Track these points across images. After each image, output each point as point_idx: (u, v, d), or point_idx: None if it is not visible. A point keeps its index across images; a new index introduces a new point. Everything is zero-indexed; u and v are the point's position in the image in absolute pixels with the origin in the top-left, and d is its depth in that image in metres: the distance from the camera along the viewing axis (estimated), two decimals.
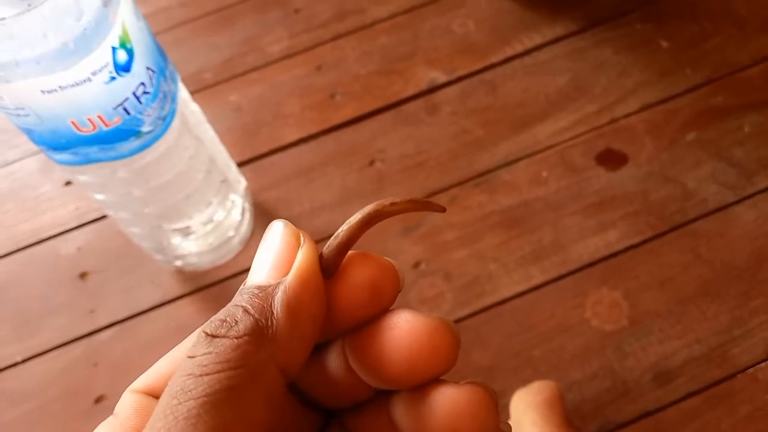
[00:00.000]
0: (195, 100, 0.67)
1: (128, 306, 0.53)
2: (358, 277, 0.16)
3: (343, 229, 0.17)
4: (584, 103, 0.59)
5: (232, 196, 0.51)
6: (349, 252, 0.17)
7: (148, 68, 0.39)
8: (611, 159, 0.56)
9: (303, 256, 0.15)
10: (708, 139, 0.55)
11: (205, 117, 0.50)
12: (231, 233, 0.51)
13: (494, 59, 0.64)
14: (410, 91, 0.63)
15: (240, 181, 0.54)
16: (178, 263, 0.52)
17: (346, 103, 0.64)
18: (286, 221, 0.16)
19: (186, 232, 0.48)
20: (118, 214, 0.46)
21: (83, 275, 0.56)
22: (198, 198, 0.47)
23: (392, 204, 0.16)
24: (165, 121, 0.41)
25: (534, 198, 0.55)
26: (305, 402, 0.18)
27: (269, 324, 0.15)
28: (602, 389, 0.45)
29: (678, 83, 0.59)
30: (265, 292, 0.15)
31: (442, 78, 0.64)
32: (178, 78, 0.44)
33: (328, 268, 0.16)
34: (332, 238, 0.16)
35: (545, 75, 0.62)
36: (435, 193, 0.56)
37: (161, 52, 0.42)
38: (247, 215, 0.54)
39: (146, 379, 0.16)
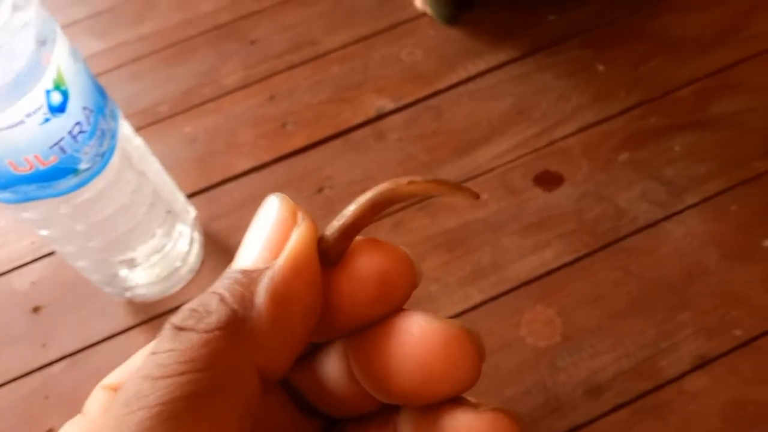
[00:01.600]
0: (152, 131, 0.69)
1: (80, 338, 0.55)
2: (365, 268, 0.14)
3: (349, 210, 0.14)
4: (525, 126, 0.62)
5: (179, 227, 0.53)
6: (356, 238, 0.14)
7: (84, 108, 0.41)
8: (548, 180, 0.58)
9: (298, 236, 0.13)
10: (640, 159, 0.58)
11: (150, 150, 0.52)
12: (178, 263, 0.53)
13: (440, 86, 0.66)
14: (359, 119, 0.65)
15: (188, 211, 0.56)
16: (128, 294, 0.53)
17: (297, 131, 0.66)
18: (283, 195, 0.14)
19: (132, 264, 0.50)
20: (64, 249, 0.48)
21: (36, 309, 0.57)
22: (142, 230, 0.48)
23: (410, 183, 0.14)
24: (103, 158, 0.43)
25: (474, 220, 0.57)
26: (303, 407, 0.16)
27: (248, 316, 0.12)
28: (536, 405, 0.47)
29: (613, 106, 0.61)
30: (248, 278, 0.13)
31: (389, 105, 0.66)
32: (119, 114, 0.46)
33: (330, 254, 0.14)
34: (336, 219, 0.14)
35: (489, 100, 0.65)
36: (381, 218, 0.58)
37: (100, 91, 0.43)
38: (196, 245, 0.56)
39: (119, 374, 0.15)
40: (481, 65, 0.67)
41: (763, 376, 0.46)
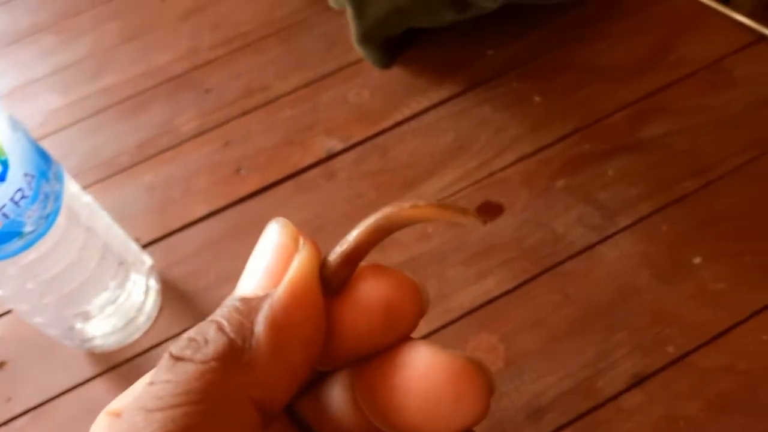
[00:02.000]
0: (112, 183, 0.71)
1: (42, 392, 0.56)
2: (369, 297, 0.13)
3: (351, 236, 0.14)
4: (466, 159, 0.64)
5: (133, 277, 0.55)
6: (360, 264, 0.14)
7: (26, 174, 0.43)
8: (490, 210, 0.60)
9: (299, 263, 0.13)
10: (576, 184, 0.60)
11: (101, 205, 0.54)
12: (134, 313, 0.55)
13: (386, 125, 0.69)
14: (310, 160, 0.68)
15: (143, 260, 0.57)
16: (87, 346, 0.55)
17: (251, 175, 0.68)
18: (285, 220, 0.14)
19: (86, 317, 0.51)
20: (19, 307, 0.49)
21: (1, 365, 0.58)
22: (94, 284, 0.50)
23: (413, 207, 0.13)
24: (48, 219, 0.45)
25: (420, 253, 0.59)
26: None
27: (246, 346, 0.12)
28: None
29: (549, 135, 0.64)
30: (248, 306, 0.13)
31: (338, 146, 0.68)
32: (64, 176, 0.48)
33: (333, 281, 0.13)
34: (338, 245, 0.14)
35: (431, 136, 0.67)
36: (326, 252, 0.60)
37: (42, 155, 0.46)
38: (152, 293, 0.57)
39: (124, 399, 0.14)
40: (424, 102, 0.70)
41: (693, 392, 0.48)
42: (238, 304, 0.13)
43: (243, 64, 0.79)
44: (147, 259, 0.58)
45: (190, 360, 0.12)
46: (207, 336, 0.12)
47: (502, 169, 0.63)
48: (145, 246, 0.63)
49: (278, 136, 0.71)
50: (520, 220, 0.59)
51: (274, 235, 0.14)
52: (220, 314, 0.13)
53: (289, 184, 0.67)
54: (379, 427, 0.14)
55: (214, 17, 0.85)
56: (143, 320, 0.56)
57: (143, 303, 0.56)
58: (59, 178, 0.47)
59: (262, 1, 0.84)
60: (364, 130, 0.69)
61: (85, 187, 0.69)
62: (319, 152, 0.68)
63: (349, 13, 0.65)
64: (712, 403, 0.48)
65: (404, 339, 0.13)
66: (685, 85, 0.65)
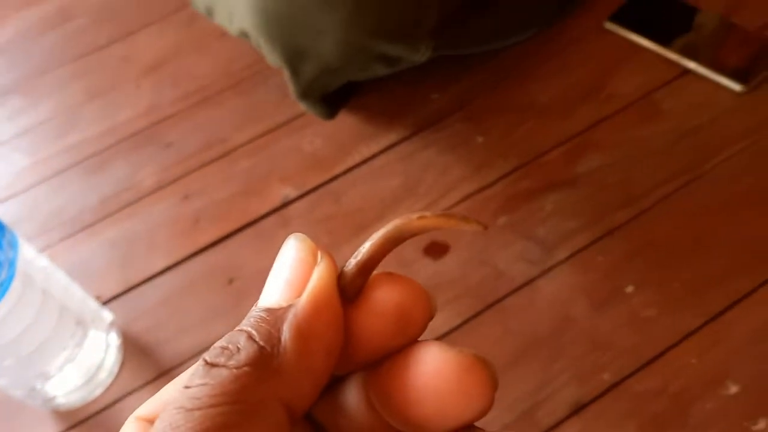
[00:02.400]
0: (76, 240, 0.74)
1: None
2: (383, 302, 0.14)
3: (365, 247, 0.15)
4: (413, 201, 0.67)
5: (93, 334, 0.57)
6: (373, 273, 0.15)
7: None
8: (436, 250, 0.63)
9: (319, 275, 0.14)
10: (517, 221, 0.63)
11: (58, 266, 0.56)
12: (94, 370, 0.57)
13: (338, 171, 0.72)
14: (266, 209, 0.71)
15: (102, 317, 0.59)
16: (50, 405, 0.56)
17: (210, 226, 0.70)
18: (303, 236, 0.15)
19: (47, 377, 0.53)
20: None
21: None
22: (52, 344, 0.52)
23: (420, 218, 0.15)
24: (2, 287, 0.47)
25: None
26: None
27: (275, 353, 0.13)
28: None
29: (491, 173, 0.67)
30: (274, 316, 0.14)
31: (293, 193, 0.71)
32: (18, 244, 0.50)
33: (349, 290, 0.14)
34: (352, 257, 0.15)
35: (381, 180, 0.70)
36: None
37: None
38: (112, 349, 0.59)
39: (150, 405, 0.15)
40: (374, 147, 0.73)
41: (629, 416, 0.50)
42: (264, 314, 0.14)
43: (202, 117, 0.82)
44: (107, 316, 0.60)
45: (224, 366, 0.13)
46: (239, 344, 0.13)
47: (448, 209, 0.66)
48: (106, 302, 0.65)
49: (236, 186, 0.74)
50: (464, 259, 0.62)
51: (293, 250, 0.15)
52: (248, 324, 0.14)
53: (246, 233, 0.69)
54: (392, 426, 0.14)
55: (174, 73, 0.88)
56: (104, 376, 0.58)
57: (103, 359, 0.58)
58: (13, 246, 0.49)
59: (219, 56, 0.87)
60: (318, 177, 0.72)
61: (49, 246, 0.72)
62: (275, 200, 0.71)
63: (285, 73, 0.68)
64: (647, 425, 0.50)
65: (413, 341, 0.14)
66: (616, 120, 0.68)
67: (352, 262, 0.15)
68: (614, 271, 0.58)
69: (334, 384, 0.15)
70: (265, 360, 0.13)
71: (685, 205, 0.60)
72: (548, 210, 0.63)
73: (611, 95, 0.70)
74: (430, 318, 0.15)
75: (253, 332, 0.13)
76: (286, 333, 0.13)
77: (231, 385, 0.12)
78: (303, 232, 0.61)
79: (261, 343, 0.13)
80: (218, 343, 0.13)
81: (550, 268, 0.59)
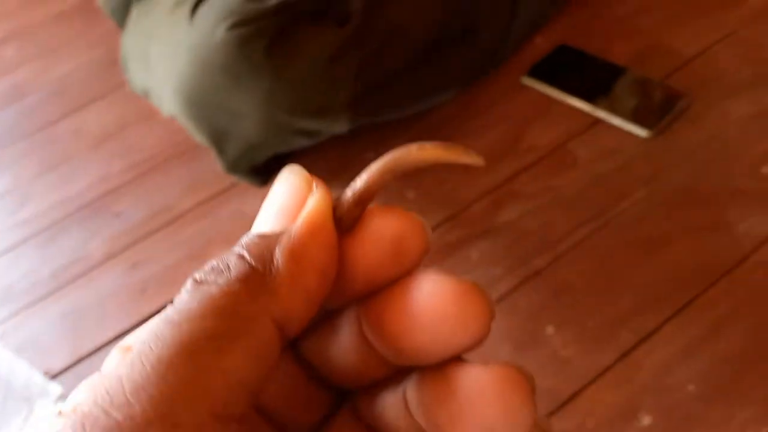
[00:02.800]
0: (28, 314, 0.76)
1: None
2: (378, 231, 0.14)
3: (362, 178, 0.15)
4: None
5: (39, 409, 0.59)
6: (369, 206, 0.15)
7: None
8: None
9: (314, 202, 0.14)
10: (445, 271, 0.67)
11: (2, 347, 0.58)
12: None
13: None
14: None
15: (49, 392, 0.61)
16: None
17: (156, 294, 0.73)
18: (299, 167, 0.15)
19: None
20: None
21: None
22: None
23: (420, 148, 0.14)
24: None
25: None
26: (315, 379, 0.16)
27: (267, 272, 0.13)
28: None
29: None
30: (267, 239, 0.13)
31: None
32: None
33: (345, 220, 0.14)
34: (348, 188, 0.14)
35: None
36: None
37: None
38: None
39: (137, 335, 0.14)
40: None
41: None
42: (256, 238, 0.14)
43: (150, 186, 0.85)
44: (55, 389, 0.62)
45: (214, 283, 0.13)
46: (229, 263, 0.13)
47: None
48: (56, 375, 0.67)
49: (182, 253, 0.77)
50: None
51: (287, 180, 0.15)
52: (240, 246, 0.14)
53: None
54: (384, 361, 0.14)
55: (123, 144, 0.92)
56: None
57: None
58: None
59: (166, 126, 0.91)
60: None
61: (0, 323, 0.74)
62: None
63: (213, 152, 0.73)
64: None
65: (409, 272, 0.14)
66: (535, 170, 0.73)
67: (348, 193, 0.14)
68: (535, 314, 0.61)
69: (327, 320, 0.15)
70: (256, 278, 0.13)
71: (597, 249, 0.65)
72: (475, 259, 0.67)
73: (530, 147, 0.75)
74: (426, 249, 0.14)
75: (245, 253, 0.13)
76: (279, 254, 0.13)
77: (221, 300, 0.12)
78: None
79: (253, 262, 0.13)
80: (208, 263, 0.13)
81: None
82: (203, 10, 0.63)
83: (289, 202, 0.14)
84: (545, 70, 0.81)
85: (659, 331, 0.58)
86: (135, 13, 0.74)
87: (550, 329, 0.60)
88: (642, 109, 0.75)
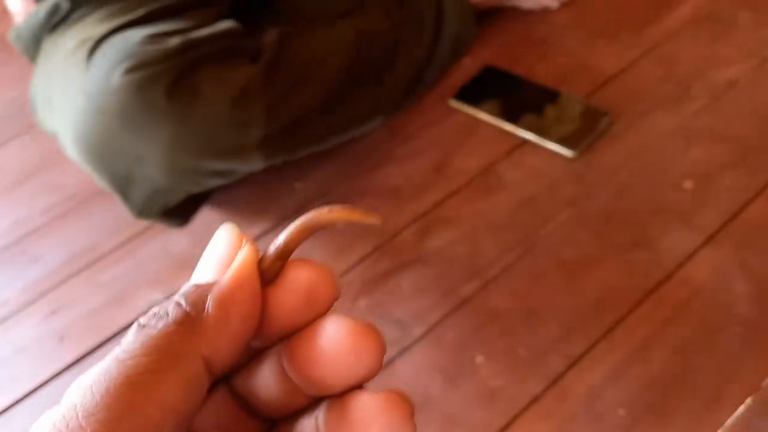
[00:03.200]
0: None
1: None
2: (294, 282, 0.16)
3: (283, 235, 0.17)
4: None
5: None
6: (290, 258, 0.17)
7: None
8: None
9: (241, 257, 0.16)
10: (376, 302, 0.65)
11: None
12: None
13: None
14: (131, 317, 0.70)
15: None
16: None
17: (74, 343, 0.69)
18: (232, 225, 0.17)
19: None
20: None
21: None
22: None
23: (330, 211, 0.17)
24: None
25: None
26: (246, 410, 0.18)
27: (199, 317, 0.15)
28: None
29: (351, 257, 0.69)
30: (201, 288, 0.16)
31: (160, 297, 0.71)
32: None
33: (268, 272, 0.16)
34: (272, 244, 0.17)
35: None
36: None
37: None
38: None
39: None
40: None
41: None
42: (192, 287, 0.16)
43: (71, 226, 0.81)
44: None
45: (154, 327, 0.15)
46: (168, 310, 0.15)
47: None
48: None
49: (103, 297, 0.73)
50: None
51: (222, 237, 0.17)
52: (178, 295, 0.16)
53: (110, 346, 0.68)
54: (301, 391, 0.17)
55: (43, 183, 0.88)
56: None
57: None
58: None
59: None
60: (185, 278, 0.72)
61: None
62: (141, 307, 0.71)
63: (117, 197, 0.69)
64: None
65: (322, 315, 0.16)
66: (462, 194, 0.72)
67: (271, 249, 0.17)
68: (464, 343, 0.60)
69: (255, 358, 0.18)
70: (189, 321, 0.15)
71: (524, 274, 0.64)
72: (404, 289, 0.66)
73: (458, 171, 0.74)
74: (336, 296, 0.17)
75: (182, 300, 0.16)
76: (210, 301, 0.15)
77: (159, 340, 0.15)
78: None
79: (188, 308, 0.15)
80: (152, 310, 0.16)
81: (407, 348, 0.61)
82: (101, 51, 0.59)
83: (222, 255, 0.17)
84: (472, 93, 0.80)
85: (587, 355, 0.57)
86: (44, 50, 0.71)
87: (479, 359, 0.59)
88: (566, 129, 0.75)
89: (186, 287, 0.16)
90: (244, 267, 0.16)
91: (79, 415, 0.14)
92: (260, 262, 0.17)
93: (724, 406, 0.52)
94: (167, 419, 0.14)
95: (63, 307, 0.73)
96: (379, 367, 0.16)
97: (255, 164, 0.65)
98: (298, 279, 0.16)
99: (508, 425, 0.54)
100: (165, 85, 0.57)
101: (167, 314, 0.15)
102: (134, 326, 0.15)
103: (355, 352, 0.15)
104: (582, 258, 0.64)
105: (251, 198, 0.78)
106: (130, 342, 0.15)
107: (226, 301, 0.16)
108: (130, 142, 0.59)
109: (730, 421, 0.48)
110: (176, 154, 0.59)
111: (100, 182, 0.66)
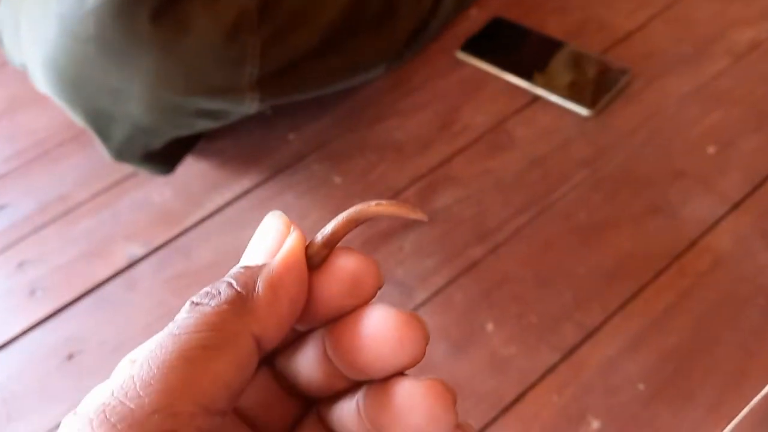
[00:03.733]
0: None
1: None
2: (341, 270, 0.17)
3: (330, 225, 0.18)
4: None
5: None
6: (336, 247, 0.17)
7: None
8: None
9: (290, 242, 0.17)
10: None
11: None
12: None
13: (188, 223, 0.67)
14: (109, 272, 0.65)
15: None
16: None
17: (46, 297, 0.64)
18: (280, 212, 0.18)
19: None
20: None
21: None
22: None
23: (377, 204, 0.18)
24: None
25: None
26: (287, 389, 0.19)
27: (249, 297, 0.16)
28: None
29: None
30: (251, 270, 0.16)
31: (139, 252, 0.66)
32: None
33: (315, 259, 0.17)
34: (319, 233, 0.17)
35: (235, 231, 0.66)
36: None
37: None
38: None
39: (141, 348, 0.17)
40: (227, 195, 0.69)
41: None
42: (242, 269, 0.17)
43: (39, 174, 0.75)
44: None
45: (207, 305, 0.16)
46: (220, 289, 0.16)
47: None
48: None
49: (76, 249, 0.67)
50: None
51: (271, 223, 0.18)
52: (229, 276, 0.16)
53: (88, 301, 0.63)
54: (342, 374, 0.17)
55: (9, 127, 0.81)
56: None
57: None
58: None
59: (58, 108, 0.80)
60: (167, 232, 0.67)
61: None
62: (120, 261, 0.65)
63: (94, 136, 0.62)
64: None
65: (366, 303, 0.17)
66: (470, 152, 0.68)
67: (318, 237, 0.17)
68: (473, 309, 0.56)
69: (298, 340, 0.18)
70: (241, 301, 0.16)
71: (536, 237, 0.60)
72: (407, 250, 0.61)
73: (465, 126, 0.70)
74: (379, 286, 0.17)
75: (233, 281, 0.16)
76: (260, 283, 0.16)
77: (212, 317, 0.15)
78: (150, 296, 0.55)
79: (239, 288, 0.16)
80: (204, 289, 0.16)
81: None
82: None
83: (270, 240, 0.17)
84: (480, 45, 0.75)
85: (604, 326, 0.54)
86: None
87: (489, 326, 0.55)
88: (581, 86, 0.70)
89: (235, 269, 0.17)
90: (293, 252, 0.17)
91: (137, 384, 0.14)
92: (307, 248, 0.17)
93: (748, 382, 0.50)
94: (220, 394, 0.15)
95: (33, 259, 0.67)
96: (422, 355, 0.16)
97: (248, 106, 0.59)
98: (345, 267, 0.17)
99: (520, 396, 0.51)
100: (150, 8, 0.50)
101: (219, 293, 0.16)
102: (187, 304, 0.16)
103: (399, 341, 0.16)
104: (597, 223, 0.60)
105: (241, 149, 0.72)
106: (183, 318, 0.16)
107: (275, 283, 0.16)
108: (108, 72, 0.52)
109: (756, 400, 0.46)
110: (160, 89, 0.52)
111: (76, 119, 0.59)
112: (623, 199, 0.62)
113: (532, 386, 0.52)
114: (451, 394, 0.16)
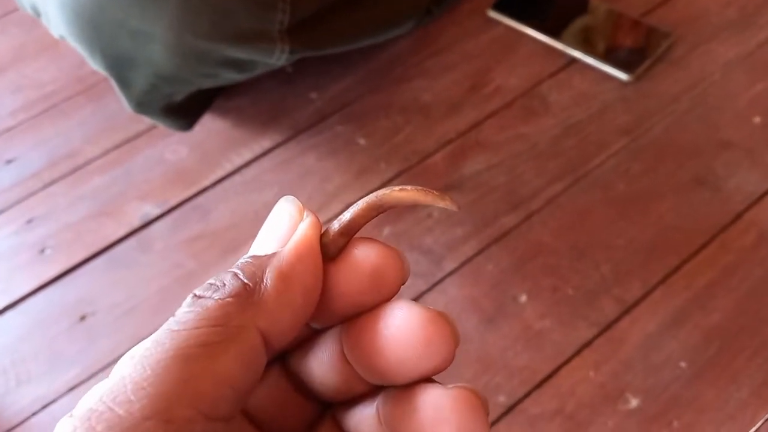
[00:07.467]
0: None
1: None
2: (360, 262, 0.15)
3: (348, 212, 0.16)
4: None
5: None
6: (355, 236, 0.16)
7: None
8: None
9: (302, 229, 0.15)
10: (401, 231, 0.58)
11: None
12: None
13: (206, 183, 0.64)
14: (122, 231, 0.62)
15: None
16: None
17: (57, 256, 0.61)
18: (293, 197, 0.16)
19: None
20: None
21: None
22: None
23: (401, 190, 0.16)
24: None
25: None
26: (301, 391, 0.17)
27: (257, 289, 0.14)
28: None
29: (374, 179, 0.62)
30: (259, 260, 0.15)
31: (154, 211, 0.63)
32: None
33: (330, 249, 0.16)
34: (336, 220, 0.16)
35: (254, 192, 0.63)
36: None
37: None
38: None
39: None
40: (247, 155, 0.66)
41: None
42: (250, 259, 0.15)
43: (48, 128, 0.72)
44: None
45: (210, 298, 0.14)
46: (224, 281, 0.15)
47: (327, 221, 0.60)
48: None
49: (87, 207, 0.64)
50: None
51: (282, 208, 0.16)
52: (236, 266, 0.15)
53: (99, 261, 0.60)
54: (361, 378, 0.16)
55: (15, 79, 0.77)
56: None
57: None
58: None
59: (68, 59, 0.77)
60: (182, 191, 0.64)
61: None
62: (133, 221, 0.63)
63: (114, 84, 0.58)
64: None
65: (387, 300, 0.15)
66: (502, 116, 0.64)
67: (335, 224, 0.16)
68: (505, 280, 0.54)
69: (313, 339, 0.17)
70: (247, 293, 0.14)
71: (572, 207, 0.57)
72: (435, 218, 0.58)
73: (497, 89, 0.66)
74: (403, 281, 0.16)
75: (239, 272, 0.15)
76: (269, 274, 0.15)
77: (215, 311, 0.14)
78: (165, 257, 0.52)
79: (245, 280, 0.15)
80: (208, 281, 0.15)
81: (439, 281, 0.54)
82: None
83: (282, 227, 0.16)
84: (513, 3, 0.71)
85: (644, 301, 0.51)
86: None
87: (522, 298, 0.53)
88: (620, 50, 0.67)
89: (243, 259, 0.15)
90: (306, 239, 0.15)
91: (128, 388, 0.13)
92: (322, 236, 0.16)
93: None
94: (222, 394, 0.14)
95: (41, 216, 0.65)
96: (451, 359, 0.14)
97: (278, 57, 0.55)
98: (364, 259, 0.15)
99: (555, 372, 0.49)
100: None
101: (224, 285, 0.14)
102: (189, 297, 0.14)
103: (425, 344, 0.14)
104: (636, 194, 0.57)
105: (261, 107, 0.69)
106: (183, 313, 0.14)
107: (286, 273, 0.15)
108: (130, 12, 0.48)
109: None
110: (185, 32, 0.48)
111: (95, 65, 0.56)
112: (665, 169, 0.59)
113: (568, 361, 0.49)
114: (483, 405, 0.14)
